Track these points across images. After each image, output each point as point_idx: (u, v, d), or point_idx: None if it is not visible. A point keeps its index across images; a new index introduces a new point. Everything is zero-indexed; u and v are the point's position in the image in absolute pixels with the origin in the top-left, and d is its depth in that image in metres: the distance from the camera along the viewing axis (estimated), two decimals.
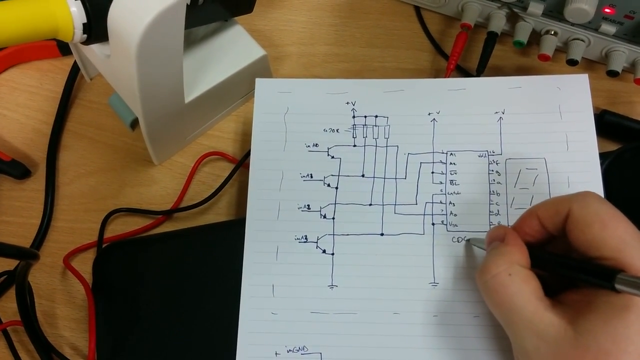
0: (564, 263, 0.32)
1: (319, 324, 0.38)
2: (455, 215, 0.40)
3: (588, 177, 0.40)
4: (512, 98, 0.43)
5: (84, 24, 0.36)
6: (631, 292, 0.27)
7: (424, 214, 0.40)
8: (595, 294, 0.29)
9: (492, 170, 0.41)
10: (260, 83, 0.45)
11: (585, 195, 0.31)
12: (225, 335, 0.39)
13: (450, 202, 0.41)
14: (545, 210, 0.33)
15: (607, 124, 0.46)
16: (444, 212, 0.40)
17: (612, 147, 0.45)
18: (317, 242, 0.40)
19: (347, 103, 0.44)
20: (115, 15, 0.35)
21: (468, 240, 0.39)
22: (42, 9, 0.34)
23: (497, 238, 0.34)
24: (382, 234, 0.40)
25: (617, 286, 0.27)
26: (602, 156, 0.42)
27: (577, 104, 0.42)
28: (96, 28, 0.36)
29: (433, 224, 0.40)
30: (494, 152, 0.42)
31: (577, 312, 0.29)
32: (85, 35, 0.36)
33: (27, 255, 0.38)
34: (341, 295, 0.39)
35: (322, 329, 0.38)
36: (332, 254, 0.40)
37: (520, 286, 0.30)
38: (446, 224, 0.40)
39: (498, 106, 0.43)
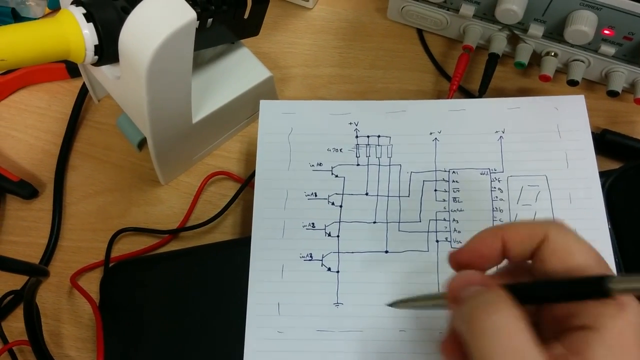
0: (546, 287, 0.28)
1: (325, 342, 0.39)
2: (459, 232, 0.41)
3: (589, 194, 0.41)
4: (512, 118, 0.44)
5: (95, 46, 0.36)
6: (628, 289, 0.25)
7: (428, 231, 0.41)
8: (584, 339, 0.26)
9: (495, 188, 0.42)
10: (264, 104, 0.46)
11: (562, 223, 0.29)
12: (232, 354, 0.39)
13: (453, 219, 0.41)
14: (516, 233, 0.29)
15: (608, 143, 0.47)
16: (448, 229, 0.41)
17: (614, 166, 0.45)
18: (322, 260, 0.41)
19: (350, 123, 0.45)
20: (127, 38, 0.36)
21: (392, 305, 0.33)
22: (55, 31, 0.35)
23: (474, 282, 0.28)
24: (386, 252, 0.40)
25: (611, 286, 0.25)
26: (604, 175, 0.43)
27: (575, 123, 0.43)
28: (107, 50, 0.37)
29: (437, 241, 0.40)
30: (495, 170, 0.42)
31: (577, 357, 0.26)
32: (96, 57, 0.37)
33: (38, 272, 0.38)
34: (347, 313, 0.39)
35: (328, 347, 0.38)
36: (337, 271, 0.40)
37: (525, 333, 0.26)
38: (450, 241, 0.40)
39: (498, 126, 0.44)
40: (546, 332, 0.28)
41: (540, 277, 0.28)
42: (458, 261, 0.30)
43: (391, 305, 0.33)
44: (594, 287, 0.26)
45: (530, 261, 0.29)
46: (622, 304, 0.26)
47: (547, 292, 0.28)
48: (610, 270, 0.28)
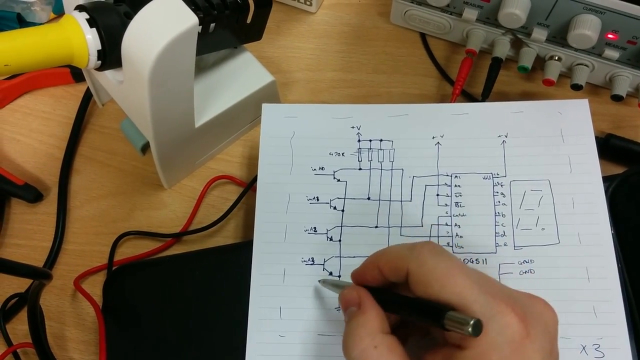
0: (400, 303, 0.32)
1: (327, 347, 0.39)
2: (461, 237, 0.40)
3: (592, 199, 0.41)
4: (515, 122, 0.44)
5: (98, 51, 0.37)
6: (458, 331, 0.27)
7: (430, 236, 0.41)
8: (452, 355, 0.29)
9: (497, 192, 0.42)
10: (266, 108, 0.46)
11: (420, 251, 0.30)
12: (234, 358, 0.39)
13: (455, 224, 0.41)
14: (385, 264, 0.32)
15: (612, 147, 0.47)
16: (450, 234, 0.41)
17: (618, 170, 0.45)
18: (323, 265, 0.41)
19: (352, 127, 0.45)
20: (129, 42, 0.36)
21: (320, 282, 0.39)
22: (58, 37, 0.36)
23: (352, 303, 0.33)
24: None
25: (446, 323, 0.27)
26: (608, 179, 0.42)
27: (579, 127, 0.43)
28: (110, 55, 0.37)
29: None
30: (498, 174, 0.42)
31: None
32: (99, 62, 0.37)
33: (41, 275, 0.39)
34: None
35: (330, 352, 0.38)
36: (339, 276, 0.40)
37: (388, 358, 0.30)
38: (452, 246, 0.40)
39: (501, 130, 0.44)
40: (435, 339, 0.32)
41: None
42: (355, 281, 0.35)
43: (320, 281, 0.39)
44: (433, 318, 0.28)
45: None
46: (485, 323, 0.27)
47: (400, 309, 0.32)
48: (476, 294, 0.28)
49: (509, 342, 0.27)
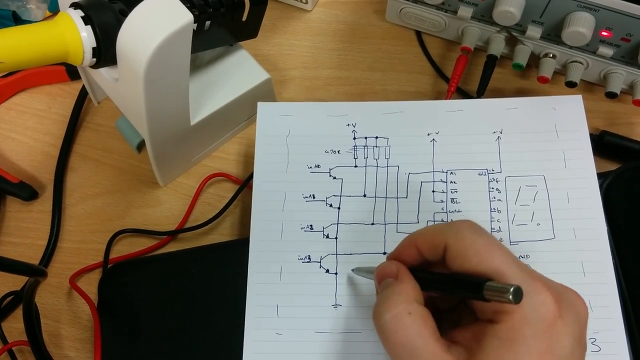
0: (438, 279, 0.32)
1: (324, 344, 0.39)
2: None
3: (587, 194, 0.41)
4: (510, 118, 0.44)
5: (93, 48, 0.37)
6: (498, 299, 0.27)
7: None
8: (484, 330, 0.29)
9: (492, 188, 0.42)
10: (262, 107, 0.46)
11: (459, 227, 0.31)
12: (230, 356, 0.39)
13: (451, 220, 0.41)
14: (424, 242, 0.33)
15: (607, 144, 0.47)
16: None
17: (612, 167, 0.45)
18: (320, 262, 0.41)
19: (348, 125, 0.45)
20: (124, 40, 0.36)
21: (354, 270, 0.39)
22: (53, 34, 0.36)
23: (389, 275, 0.33)
24: (384, 253, 0.40)
25: (485, 293, 0.28)
26: (603, 176, 0.43)
27: (573, 123, 0.43)
28: (105, 52, 0.37)
29: None
30: (493, 170, 0.42)
31: (470, 352, 0.29)
32: (94, 59, 0.37)
33: (36, 272, 0.39)
34: (345, 314, 0.39)
35: (327, 349, 0.38)
36: (336, 273, 0.40)
37: (420, 326, 0.30)
38: None
39: (496, 126, 0.44)
40: (463, 318, 0.32)
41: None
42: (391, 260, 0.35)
43: (354, 270, 0.39)
44: (473, 289, 0.28)
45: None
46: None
47: (438, 285, 0.32)
48: (514, 269, 0.29)
49: (543, 319, 0.28)
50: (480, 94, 0.48)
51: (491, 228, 0.41)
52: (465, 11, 0.48)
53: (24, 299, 0.40)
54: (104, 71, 0.41)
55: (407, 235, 0.34)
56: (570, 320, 0.28)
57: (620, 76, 0.47)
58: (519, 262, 0.30)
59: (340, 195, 0.43)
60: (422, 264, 0.33)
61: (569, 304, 0.29)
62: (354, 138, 0.44)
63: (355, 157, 0.44)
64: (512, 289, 0.27)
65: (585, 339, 0.30)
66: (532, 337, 0.27)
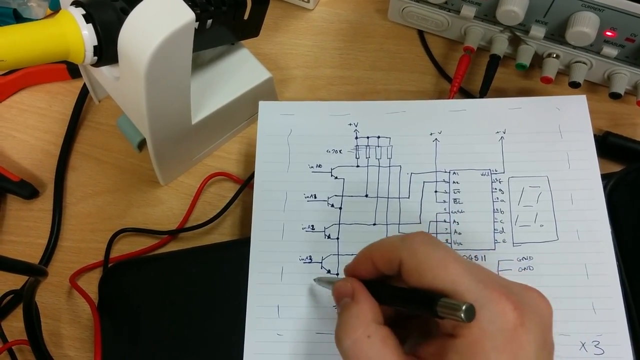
0: (392, 293, 0.31)
1: (325, 345, 0.38)
2: (460, 233, 0.40)
3: (591, 195, 0.41)
4: (513, 118, 0.44)
5: (94, 47, 0.36)
6: (451, 317, 0.27)
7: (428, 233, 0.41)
8: (445, 345, 0.28)
9: (495, 189, 0.42)
10: (263, 106, 0.45)
11: (413, 241, 0.30)
12: (230, 356, 0.39)
13: (454, 221, 0.41)
14: (379, 257, 0.32)
15: (610, 145, 0.47)
16: (448, 231, 0.41)
17: (616, 168, 0.45)
18: (321, 263, 0.41)
19: (350, 124, 0.44)
20: (125, 38, 0.36)
21: (315, 280, 0.39)
22: (54, 32, 0.35)
23: (345, 294, 0.32)
24: None
25: (439, 310, 0.27)
26: (606, 177, 0.42)
27: (577, 123, 0.43)
28: (106, 50, 0.37)
29: None
30: (496, 171, 0.42)
31: None
32: (95, 58, 0.37)
33: (36, 272, 0.38)
34: None
35: (328, 350, 0.38)
36: (337, 274, 0.40)
37: (380, 349, 0.29)
38: (451, 243, 0.40)
39: (499, 126, 0.43)
40: (432, 330, 0.31)
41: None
42: (349, 275, 0.34)
43: (315, 280, 0.39)
44: (426, 307, 0.28)
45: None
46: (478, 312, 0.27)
47: (393, 300, 0.31)
48: (468, 282, 0.28)
49: (503, 330, 0.27)
50: (483, 94, 0.48)
51: (494, 229, 0.40)
52: (469, 10, 0.47)
53: (24, 298, 0.40)
54: (105, 69, 0.41)
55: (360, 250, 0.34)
56: (533, 326, 0.27)
57: (624, 77, 0.47)
58: (476, 271, 0.29)
59: (342, 196, 0.42)
60: (380, 277, 0.33)
61: (530, 309, 0.28)
62: (356, 137, 0.44)
63: (357, 156, 0.43)
64: (463, 307, 0.26)
65: (551, 340, 0.29)
66: (492, 350, 0.27)
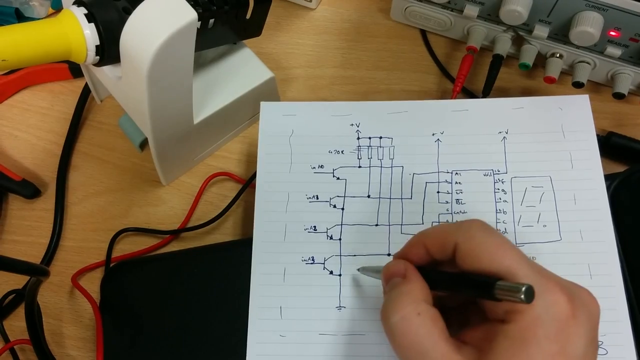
0: (447, 278, 0.31)
1: (328, 346, 0.38)
2: None
3: (594, 195, 0.41)
4: (515, 118, 0.43)
5: (96, 46, 0.36)
6: (509, 299, 0.27)
7: None
8: (494, 330, 0.28)
9: (498, 189, 0.41)
10: (265, 106, 0.45)
11: (470, 226, 0.31)
12: (232, 357, 0.39)
13: (459, 221, 0.40)
14: (433, 241, 0.32)
15: (613, 146, 0.46)
16: None
17: (619, 169, 0.45)
18: (324, 264, 0.40)
19: (352, 125, 0.44)
20: (128, 38, 0.36)
21: (360, 270, 0.39)
22: (56, 31, 0.35)
23: (397, 274, 0.32)
24: (389, 254, 0.40)
25: (496, 292, 0.27)
26: (610, 178, 0.42)
27: (580, 123, 0.43)
28: (108, 50, 0.37)
29: None
30: (499, 171, 0.42)
31: (480, 352, 0.29)
32: (97, 57, 0.37)
33: (38, 272, 0.38)
34: (349, 316, 0.39)
35: (331, 351, 0.38)
36: (340, 275, 0.40)
37: (429, 327, 0.29)
38: None
39: (501, 126, 0.43)
40: (472, 317, 0.32)
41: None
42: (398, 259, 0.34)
43: (359, 269, 0.39)
44: (483, 289, 0.28)
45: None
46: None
47: (447, 284, 0.31)
48: (526, 269, 0.28)
49: (556, 320, 0.27)
50: (486, 94, 0.48)
51: (497, 229, 0.40)
52: (472, 10, 0.47)
53: (26, 298, 0.39)
54: (107, 69, 0.41)
55: (413, 235, 0.34)
56: (584, 321, 0.28)
57: (628, 77, 0.46)
58: (530, 261, 0.29)
59: (344, 196, 0.42)
60: (430, 263, 0.33)
61: (582, 304, 0.28)
62: (358, 138, 0.44)
63: (359, 157, 0.43)
64: (524, 289, 0.26)
65: (597, 339, 0.29)
66: (544, 338, 0.27)
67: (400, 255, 0.34)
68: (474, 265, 0.29)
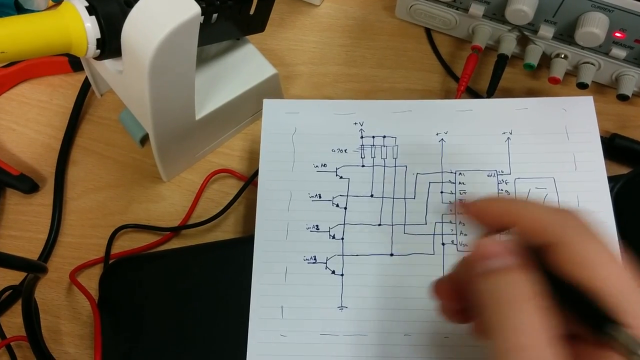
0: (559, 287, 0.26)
1: (329, 346, 0.38)
2: (466, 234, 0.40)
3: (597, 197, 0.40)
4: (519, 119, 0.43)
5: (97, 40, 0.36)
6: (619, 351, 0.23)
7: (434, 234, 0.40)
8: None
9: (502, 190, 0.41)
10: (267, 104, 0.45)
11: (585, 229, 0.26)
12: (233, 355, 0.39)
13: (460, 222, 0.40)
14: (531, 222, 0.27)
15: (617, 148, 0.46)
16: (454, 232, 0.40)
17: (623, 171, 0.45)
18: (326, 263, 0.40)
19: (355, 123, 0.44)
20: (129, 31, 0.35)
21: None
22: (57, 24, 0.35)
23: (501, 255, 0.26)
24: (391, 254, 0.40)
25: (611, 335, 0.23)
26: (613, 179, 0.42)
27: (584, 124, 0.43)
28: (110, 43, 0.36)
29: (443, 244, 0.40)
30: (502, 172, 0.42)
31: None
32: (98, 51, 0.37)
33: (36, 268, 0.38)
34: (351, 316, 0.39)
35: (332, 351, 0.38)
36: (342, 274, 0.40)
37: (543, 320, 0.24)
38: (456, 244, 0.40)
39: (505, 127, 0.43)
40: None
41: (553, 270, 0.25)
42: (466, 212, 0.29)
43: None
44: (599, 324, 0.24)
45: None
46: None
47: (568, 301, 0.25)
48: (628, 293, 0.24)
49: None
50: (490, 93, 0.48)
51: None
52: (477, 9, 0.47)
53: (23, 294, 0.39)
54: (107, 63, 0.40)
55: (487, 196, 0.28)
56: None
57: (633, 78, 0.46)
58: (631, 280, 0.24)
59: (347, 195, 0.42)
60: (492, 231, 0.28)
61: None
62: (362, 137, 0.44)
63: (363, 156, 0.43)
64: None
65: None
66: None
67: (473, 210, 0.29)
68: (578, 274, 0.24)
